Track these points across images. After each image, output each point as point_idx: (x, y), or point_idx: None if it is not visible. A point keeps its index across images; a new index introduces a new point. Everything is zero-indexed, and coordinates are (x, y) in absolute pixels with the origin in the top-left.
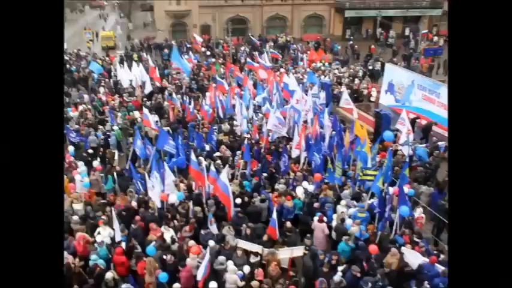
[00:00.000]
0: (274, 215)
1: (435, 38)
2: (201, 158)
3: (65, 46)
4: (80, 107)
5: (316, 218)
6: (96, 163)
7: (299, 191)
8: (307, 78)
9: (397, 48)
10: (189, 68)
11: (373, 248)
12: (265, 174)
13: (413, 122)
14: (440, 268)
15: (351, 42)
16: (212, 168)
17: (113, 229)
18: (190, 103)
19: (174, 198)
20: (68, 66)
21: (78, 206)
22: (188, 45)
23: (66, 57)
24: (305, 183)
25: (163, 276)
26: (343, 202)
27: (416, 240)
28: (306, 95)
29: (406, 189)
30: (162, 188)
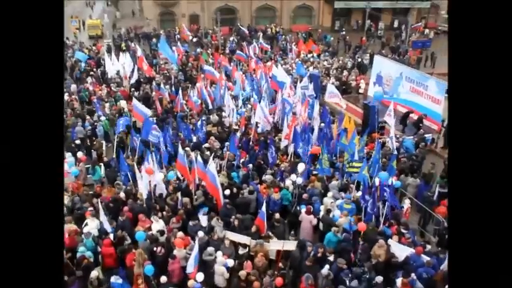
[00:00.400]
0: (264, 207)
1: (426, 31)
2: (188, 150)
3: None
4: (66, 97)
5: (303, 210)
6: (80, 154)
7: (288, 182)
8: (295, 70)
9: (386, 40)
10: (176, 59)
11: (361, 226)
12: (250, 166)
13: (405, 116)
14: (426, 258)
15: (344, 33)
16: (200, 159)
17: (101, 221)
18: (178, 94)
19: (162, 188)
20: None
21: (65, 197)
22: (177, 35)
23: None
24: (293, 175)
25: (149, 269)
26: (330, 194)
27: (403, 231)
28: (295, 86)
29: (394, 181)
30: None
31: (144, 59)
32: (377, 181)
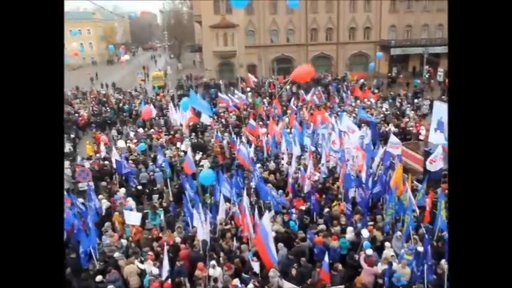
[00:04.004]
0: (326, 257)
1: None
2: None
3: (118, 85)
4: (130, 144)
5: (362, 260)
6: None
7: (348, 230)
8: (357, 115)
9: None
10: (210, 110)
11: None
12: (294, 215)
13: None
14: None
15: (427, 76)
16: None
17: (155, 265)
18: (236, 141)
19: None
20: (121, 104)
21: (123, 241)
22: (240, 85)
23: (119, 96)
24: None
25: None
26: (387, 244)
27: None
28: (352, 133)
29: None
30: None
31: (194, 110)
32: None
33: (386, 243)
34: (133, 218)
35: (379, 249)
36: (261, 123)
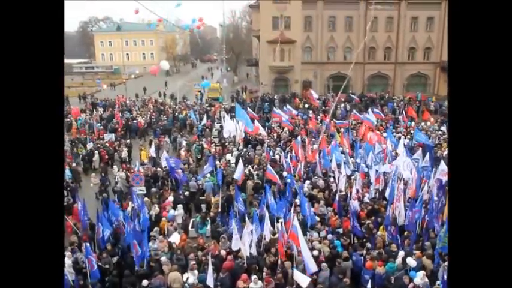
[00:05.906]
0: (369, 285)
1: None
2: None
3: (175, 95)
4: (182, 152)
5: None
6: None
7: (399, 254)
8: (414, 137)
9: None
10: (252, 126)
11: None
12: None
13: None
14: None
15: None
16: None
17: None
18: (287, 156)
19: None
20: (176, 114)
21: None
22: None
23: (175, 106)
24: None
25: None
26: (420, 272)
27: None
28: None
29: None
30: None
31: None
32: None
33: (419, 272)
34: (174, 236)
35: (428, 278)
36: (313, 139)
